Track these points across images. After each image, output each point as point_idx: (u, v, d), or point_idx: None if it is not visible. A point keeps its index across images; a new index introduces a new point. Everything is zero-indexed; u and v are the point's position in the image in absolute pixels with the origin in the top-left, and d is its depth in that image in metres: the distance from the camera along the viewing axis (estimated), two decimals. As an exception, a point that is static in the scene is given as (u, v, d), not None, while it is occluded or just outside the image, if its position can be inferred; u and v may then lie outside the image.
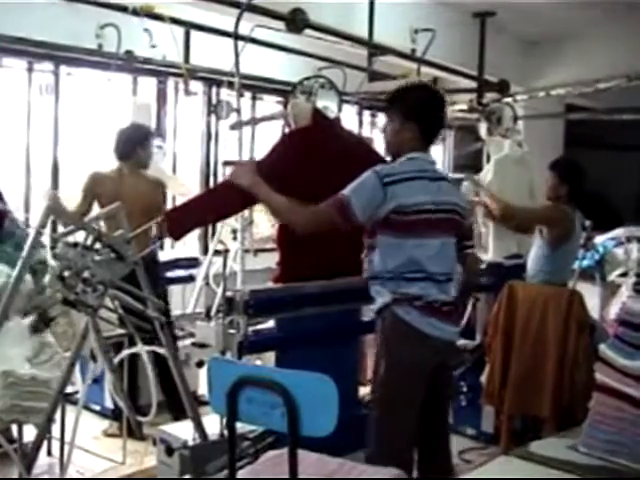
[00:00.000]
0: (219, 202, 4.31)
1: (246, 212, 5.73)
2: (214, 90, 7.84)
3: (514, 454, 2.73)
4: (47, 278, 3.47)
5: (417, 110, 3.63)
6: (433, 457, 3.71)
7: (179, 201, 6.37)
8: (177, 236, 4.05)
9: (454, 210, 3.66)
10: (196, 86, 7.36)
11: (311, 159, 4.21)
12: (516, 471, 2.53)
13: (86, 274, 3.40)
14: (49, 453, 4.85)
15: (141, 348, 3.90)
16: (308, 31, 5.63)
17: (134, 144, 5.48)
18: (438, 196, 3.57)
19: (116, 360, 3.96)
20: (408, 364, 3.51)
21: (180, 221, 4.13)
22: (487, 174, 6.77)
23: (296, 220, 3.68)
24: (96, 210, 5.26)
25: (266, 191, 3.68)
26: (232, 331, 3.79)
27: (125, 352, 4.22)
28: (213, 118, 7.65)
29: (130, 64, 6.41)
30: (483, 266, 5.76)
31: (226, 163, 5.93)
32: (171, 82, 7.53)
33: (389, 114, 3.73)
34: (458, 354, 4.04)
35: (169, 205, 6.10)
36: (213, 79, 7.42)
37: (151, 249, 4.01)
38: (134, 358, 4.02)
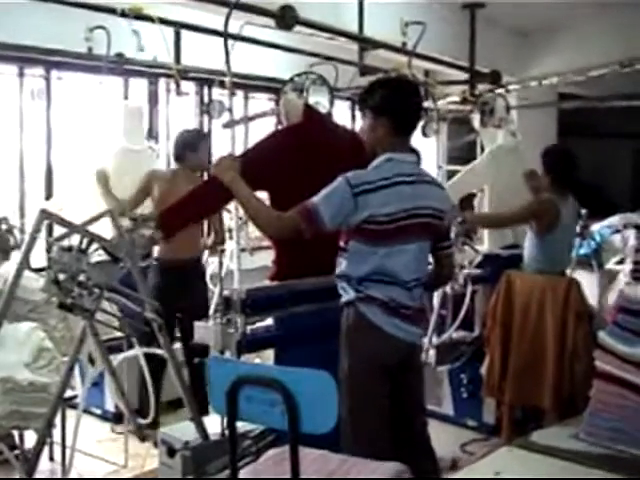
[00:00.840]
0: (206, 198, 4.33)
1: (241, 211, 5.73)
2: (206, 90, 7.82)
3: (516, 444, 2.73)
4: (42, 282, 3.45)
5: (385, 104, 3.60)
6: (412, 456, 3.68)
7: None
8: (167, 236, 4.04)
9: (430, 214, 3.62)
10: (188, 86, 7.33)
11: (303, 155, 4.21)
12: (518, 461, 2.53)
13: (82, 277, 3.40)
14: (51, 458, 4.85)
15: (138, 350, 3.90)
16: (299, 27, 5.61)
17: (184, 148, 5.71)
18: (413, 201, 3.54)
19: (115, 363, 3.94)
20: (369, 361, 3.54)
21: (169, 220, 4.13)
22: (481, 164, 6.79)
23: (262, 223, 3.70)
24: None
25: (243, 189, 3.72)
26: (230, 330, 3.78)
27: (123, 355, 4.20)
28: (206, 118, 7.62)
29: (121, 66, 6.39)
30: (479, 258, 5.78)
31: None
32: (162, 83, 7.50)
33: (363, 113, 3.72)
34: (421, 356, 4.03)
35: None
36: (205, 79, 7.39)
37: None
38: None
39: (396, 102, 3.61)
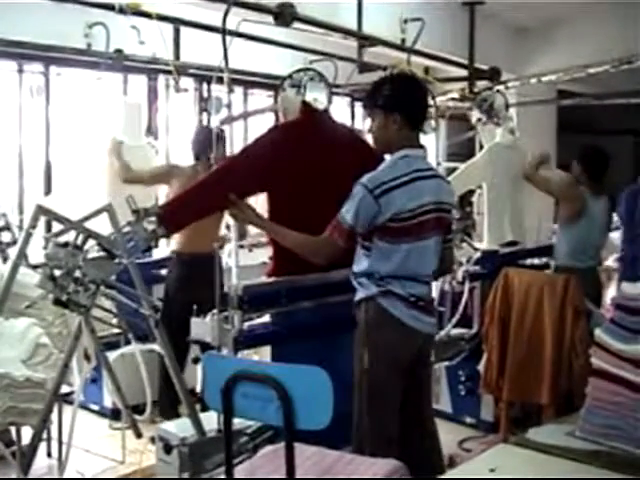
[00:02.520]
0: (209, 194, 4.32)
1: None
2: (205, 86, 7.81)
3: (512, 442, 2.73)
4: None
5: (394, 100, 3.66)
6: (420, 449, 3.76)
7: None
8: (170, 232, 4.04)
9: (443, 209, 3.72)
10: (187, 82, 7.34)
11: (300, 151, 4.21)
12: (514, 458, 2.53)
13: (77, 274, 3.39)
14: (49, 455, 4.84)
15: (135, 347, 3.89)
16: (297, 24, 5.61)
17: (208, 145, 5.64)
18: (430, 196, 3.63)
19: (111, 359, 3.94)
20: (391, 355, 3.61)
21: (175, 215, 4.12)
22: (479, 161, 6.79)
23: (303, 253, 3.78)
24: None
25: (272, 227, 3.89)
26: (227, 326, 3.77)
27: (119, 351, 4.21)
28: (205, 114, 7.62)
29: (120, 63, 6.38)
30: (478, 254, 5.79)
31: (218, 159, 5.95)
32: (162, 79, 7.49)
33: (371, 112, 3.77)
34: (434, 347, 4.11)
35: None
36: (203, 75, 7.39)
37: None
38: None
39: (404, 97, 3.69)
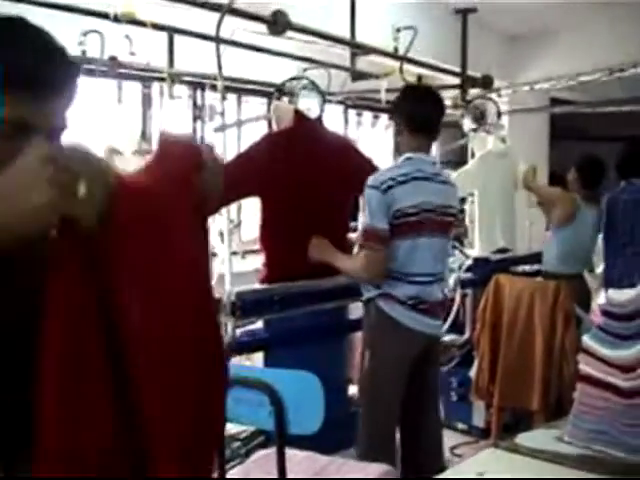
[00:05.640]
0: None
1: (233, 214, 5.73)
2: (199, 93, 7.83)
3: (501, 447, 2.75)
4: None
5: (398, 108, 3.92)
6: (420, 447, 3.87)
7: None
8: None
9: (449, 213, 3.84)
10: (181, 90, 7.35)
11: (291, 160, 4.24)
12: (502, 462, 2.55)
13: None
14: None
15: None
16: (291, 33, 5.62)
17: None
18: (433, 197, 3.73)
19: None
20: (390, 356, 3.70)
21: None
22: (471, 169, 6.83)
23: (355, 275, 3.85)
24: None
25: (334, 257, 3.89)
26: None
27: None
28: (199, 121, 7.64)
29: (114, 70, 6.39)
30: (469, 261, 5.83)
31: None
32: (156, 86, 7.51)
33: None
34: (441, 348, 4.17)
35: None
36: (197, 83, 7.41)
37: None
38: None
39: (407, 106, 3.87)
